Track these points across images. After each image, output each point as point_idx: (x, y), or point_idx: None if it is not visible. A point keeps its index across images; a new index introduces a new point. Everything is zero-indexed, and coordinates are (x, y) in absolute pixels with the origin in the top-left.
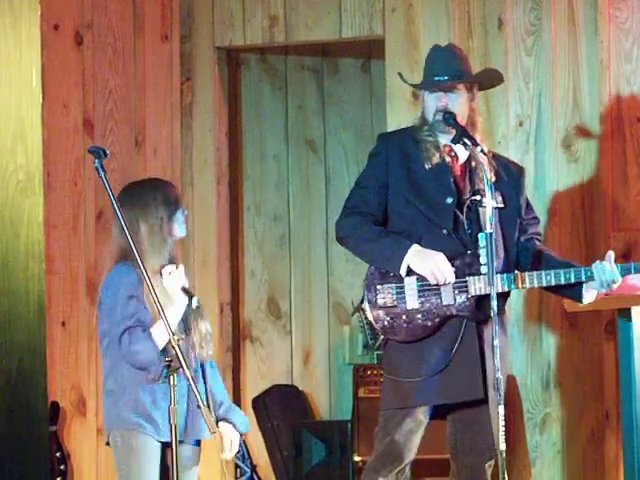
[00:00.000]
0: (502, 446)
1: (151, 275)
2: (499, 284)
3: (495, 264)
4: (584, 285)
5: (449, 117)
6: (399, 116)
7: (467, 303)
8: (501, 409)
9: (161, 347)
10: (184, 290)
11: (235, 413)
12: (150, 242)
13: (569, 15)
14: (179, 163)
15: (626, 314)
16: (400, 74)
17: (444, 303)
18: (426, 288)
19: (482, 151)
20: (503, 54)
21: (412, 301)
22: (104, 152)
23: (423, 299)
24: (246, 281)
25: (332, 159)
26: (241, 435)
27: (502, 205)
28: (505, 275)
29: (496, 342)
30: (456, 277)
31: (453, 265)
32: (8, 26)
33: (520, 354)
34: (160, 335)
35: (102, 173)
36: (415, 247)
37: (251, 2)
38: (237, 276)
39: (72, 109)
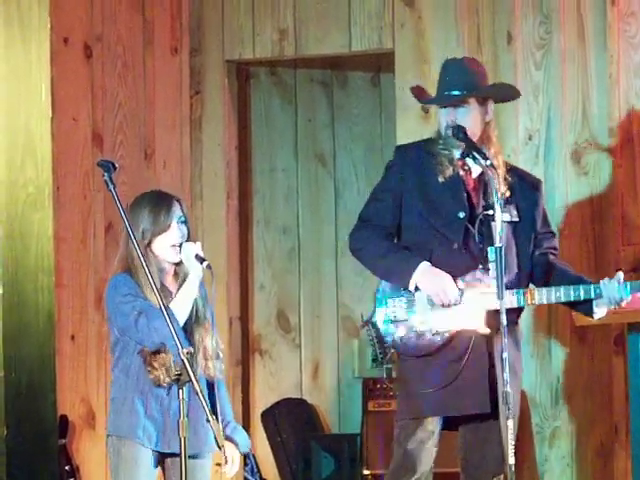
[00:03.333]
0: (511, 460)
1: (148, 288)
2: (514, 300)
3: (506, 279)
4: (594, 301)
5: (458, 131)
6: (409, 129)
7: (479, 316)
8: (510, 423)
9: (182, 322)
10: (197, 257)
11: (239, 433)
12: (134, 257)
13: (578, 29)
14: (188, 176)
15: (635, 328)
16: (413, 89)
17: (454, 318)
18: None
19: (492, 165)
20: (512, 68)
21: (424, 314)
22: (113, 165)
23: (435, 312)
24: (255, 294)
25: (341, 172)
26: (245, 454)
27: (517, 219)
28: (515, 290)
29: (505, 355)
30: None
31: (464, 280)
32: (18, 39)
33: (529, 368)
34: (180, 311)
35: (111, 186)
36: (423, 265)
37: (261, 16)
38: (246, 289)
39: (81, 122)
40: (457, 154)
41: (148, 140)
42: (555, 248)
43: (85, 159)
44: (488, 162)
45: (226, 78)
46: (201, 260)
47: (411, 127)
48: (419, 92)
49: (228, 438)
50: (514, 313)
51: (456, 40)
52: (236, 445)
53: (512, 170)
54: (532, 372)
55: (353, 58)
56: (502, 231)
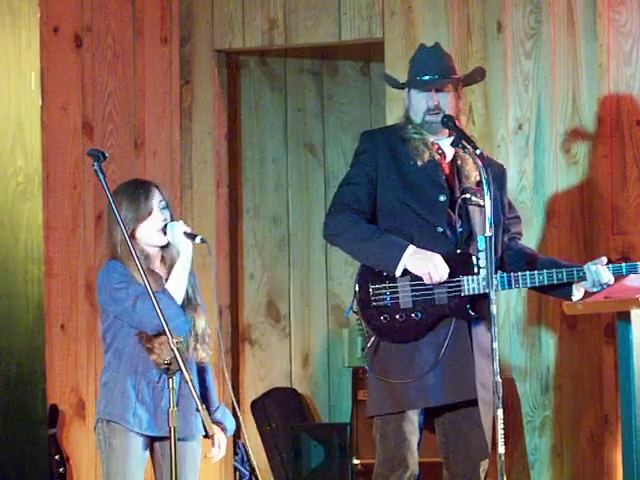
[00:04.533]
0: (501, 449)
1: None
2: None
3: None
4: (574, 284)
5: (448, 120)
6: (398, 119)
7: (460, 303)
8: (500, 412)
9: (180, 301)
10: (187, 234)
11: (227, 417)
12: (122, 242)
13: (568, 18)
14: (178, 166)
15: (625, 317)
16: (386, 76)
17: (437, 302)
18: (419, 288)
19: (481, 154)
20: (502, 57)
21: (406, 301)
22: (103, 155)
23: (416, 299)
24: (245, 284)
25: (331, 162)
26: (236, 442)
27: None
28: (498, 276)
29: (495, 345)
30: (449, 277)
31: (448, 264)
32: (7, 29)
33: (519, 357)
34: (176, 290)
35: (101, 176)
36: (412, 248)
37: (250, 5)
38: (236, 279)
39: (71, 112)
40: (431, 138)
41: (138, 129)
42: (521, 233)
43: (75, 148)
44: (478, 151)
45: (216, 67)
46: (192, 237)
47: (401, 116)
48: (391, 78)
49: (217, 422)
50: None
51: (446, 29)
52: (223, 429)
53: (479, 157)
54: (522, 361)
55: (343, 47)
56: (490, 219)
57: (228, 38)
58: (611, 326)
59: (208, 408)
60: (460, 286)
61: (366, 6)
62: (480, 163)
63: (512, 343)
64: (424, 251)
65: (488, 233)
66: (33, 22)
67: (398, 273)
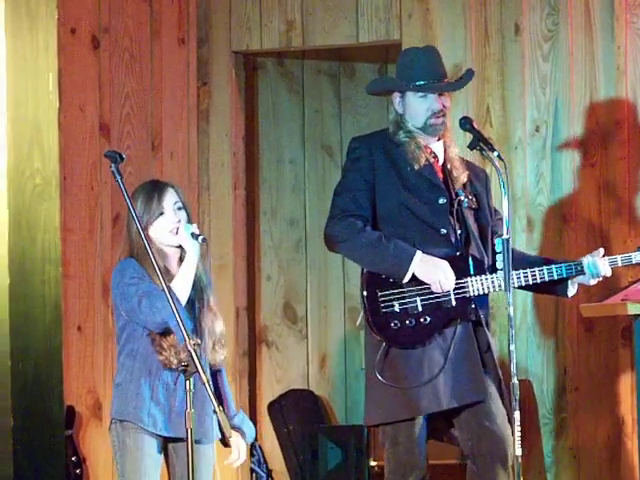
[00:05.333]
0: (518, 451)
1: (153, 273)
2: (496, 285)
3: (484, 265)
4: (570, 280)
5: (465, 122)
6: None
7: (465, 304)
8: (517, 414)
9: (184, 302)
10: (193, 235)
11: (246, 423)
12: (137, 242)
13: (586, 21)
14: (195, 167)
15: None
16: (376, 81)
17: (444, 306)
18: (426, 291)
19: (499, 156)
20: (520, 60)
21: (414, 306)
22: (120, 156)
23: (424, 303)
24: (262, 285)
25: None
26: (253, 444)
27: (477, 207)
28: (493, 275)
29: (512, 347)
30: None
31: (452, 266)
32: (25, 30)
33: (536, 359)
34: (180, 290)
35: (118, 177)
36: (420, 254)
37: (268, 6)
38: (253, 280)
39: (89, 113)
40: (423, 141)
41: (155, 131)
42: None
43: (92, 150)
44: (496, 154)
45: (233, 69)
46: (196, 237)
47: (389, 121)
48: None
49: (236, 428)
50: (487, 298)
51: (463, 31)
52: (243, 435)
53: (463, 160)
54: (539, 363)
55: (360, 49)
56: (508, 222)
57: (245, 39)
58: (628, 328)
59: (228, 416)
60: (466, 288)
61: (383, 8)
62: (497, 165)
63: (529, 345)
64: (432, 258)
65: (505, 235)
66: (51, 23)
67: (407, 279)
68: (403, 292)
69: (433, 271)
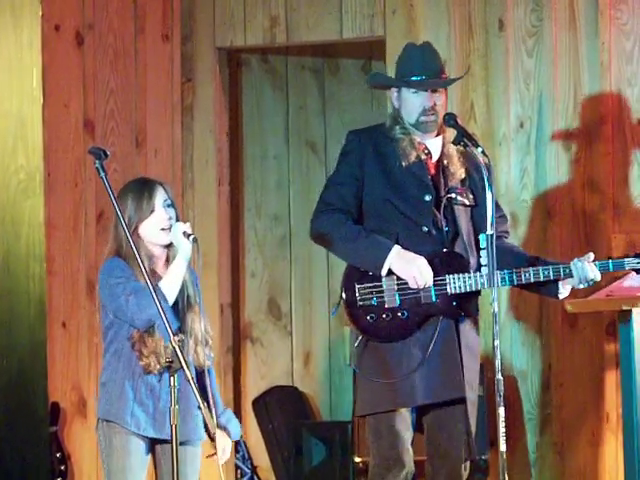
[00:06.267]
0: (502, 447)
1: (139, 272)
2: (478, 283)
3: (472, 263)
4: (560, 282)
5: (449, 118)
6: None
7: (446, 301)
8: (502, 410)
9: (171, 301)
10: (184, 234)
11: (232, 421)
12: (126, 241)
13: (570, 16)
14: (180, 164)
15: (627, 316)
16: (375, 74)
17: (423, 301)
18: (405, 287)
19: (483, 152)
20: (504, 55)
21: (392, 300)
22: (105, 153)
23: (402, 297)
24: (247, 282)
25: (333, 160)
26: (237, 441)
27: (473, 203)
28: (479, 274)
29: (496, 342)
30: (435, 275)
31: (432, 263)
32: (9, 26)
33: (521, 355)
34: (168, 289)
35: (102, 174)
36: (396, 248)
37: (252, 3)
38: (238, 277)
39: (73, 109)
40: (417, 138)
41: (139, 127)
42: (507, 232)
43: (76, 146)
44: (480, 149)
45: (217, 65)
46: (188, 236)
47: (388, 115)
48: (379, 77)
49: (221, 427)
50: (475, 297)
51: (447, 27)
52: (228, 433)
53: (464, 154)
54: (523, 359)
55: (344, 45)
56: (493, 218)
57: (229, 36)
58: (612, 324)
59: (214, 414)
60: (445, 285)
61: (368, 4)
62: (481, 160)
63: (513, 341)
64: (409, 253)
65: (490, 231)
66: (35, 20)
67: (384, 273)
68: (381, 286)
69: (408, 267)
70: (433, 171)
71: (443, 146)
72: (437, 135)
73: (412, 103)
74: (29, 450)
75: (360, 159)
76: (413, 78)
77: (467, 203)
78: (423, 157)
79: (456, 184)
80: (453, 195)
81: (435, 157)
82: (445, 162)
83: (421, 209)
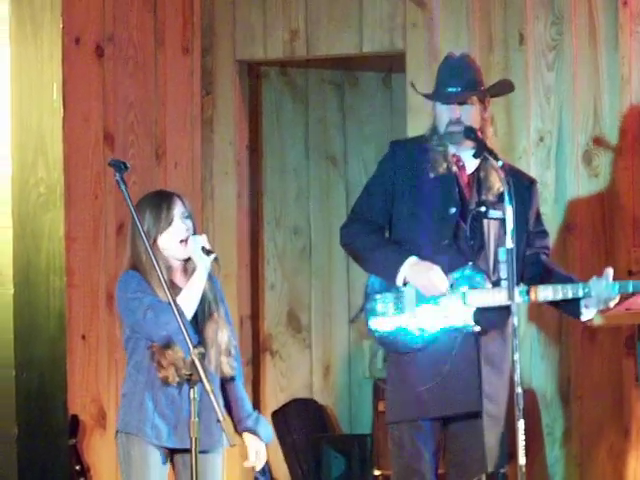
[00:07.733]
0: (522, 460)
1: (157, 285)
2: (496, 297)
3: (494, 277)
4: (583, 301)
5: (469, 131)
6: (420, 130)
7: (467, 314)
8: (521, 423)
9: (190, 316)
10: (204, 250)
11: (261, 424)
12: (145, 253)
13: (590, 30)
14: (199, 176)
15: None
16: (412, 84)
17: (443, 313)
18: (425, 297)
19: (502, 166)
20: (524, 69)
21: (411, 310)
22: (125, 165)
23: (422, 308)
24: (266, 294)
25: (352, 173)
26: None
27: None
28: (497, 288)
29: (516, 356)
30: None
31: (452, 277)
32: (30, 39)
33: (540, 368)
34: (187, 305)
35: (123, 186)
36: (412, 259)
37: (272, 16)
38: (257, 289)
39: (93, 122)
40: (452, 150)
41: (159, 140)
42: (547, 247)
43: (96, 159)
44: (500, 163)
45: (237, 78)
46: (207, 252)
47: (422, 127)
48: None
49: (251, 430)
50: (505, 310)
51: (467, 41)
52: (259, 437)
53: (507, 168)
54: (542, 373)
55: (364, 58)
56: (513, 232)
57: (249, 49)
58: (631, 338)
59: (242, 417)
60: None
61: (388, 17)
62: (501, 175)
63: (532, 354)
64: (424, 262)
65: (509, 245)
66: (55, 33)
67: (399, 283)
68: (401, 296)
69: (421, 276)
70: (466, 183)
71: (484, 159)
72: (474, 147)
73: (441, 114)
74: (48, 463)
75: (392, 171)
76: (442, 89)
77: (501, 216)
78: (454, 169)
79: (492, 198)
80: (483, 209)
81: (470, 169)
82: (482, 174)
83: (443, 221)
